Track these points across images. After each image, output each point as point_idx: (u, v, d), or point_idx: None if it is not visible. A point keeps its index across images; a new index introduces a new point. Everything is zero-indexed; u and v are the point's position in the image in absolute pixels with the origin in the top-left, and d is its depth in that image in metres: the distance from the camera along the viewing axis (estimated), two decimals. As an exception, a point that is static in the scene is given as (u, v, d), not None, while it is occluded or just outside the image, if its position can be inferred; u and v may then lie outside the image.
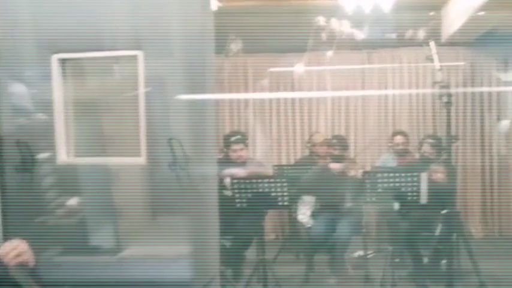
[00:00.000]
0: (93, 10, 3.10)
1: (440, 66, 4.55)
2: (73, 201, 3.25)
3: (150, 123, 3.11)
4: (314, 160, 6.08)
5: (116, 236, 3.21)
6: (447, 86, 4.42)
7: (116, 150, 3.22)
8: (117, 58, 3.18)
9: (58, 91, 3.19)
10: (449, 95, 4.35)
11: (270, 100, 6.84)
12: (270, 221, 6.86)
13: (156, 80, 3.11)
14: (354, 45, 6.41)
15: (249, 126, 6.92)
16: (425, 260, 5.17)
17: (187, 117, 3.10)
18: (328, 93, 6.73)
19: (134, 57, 3.09)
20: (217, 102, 6.66)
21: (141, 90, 3.09)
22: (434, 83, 4.55)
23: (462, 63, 6.68)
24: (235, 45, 4.90)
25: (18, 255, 2.25)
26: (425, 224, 5.18)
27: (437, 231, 4.93)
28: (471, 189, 6.78)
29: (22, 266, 2.26)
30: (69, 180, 3.24)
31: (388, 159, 6.20)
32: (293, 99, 6.90)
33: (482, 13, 5.22)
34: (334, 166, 5.40)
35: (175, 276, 3.01)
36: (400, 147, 6.14)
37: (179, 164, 3.05)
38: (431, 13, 6.28)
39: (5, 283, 2.18)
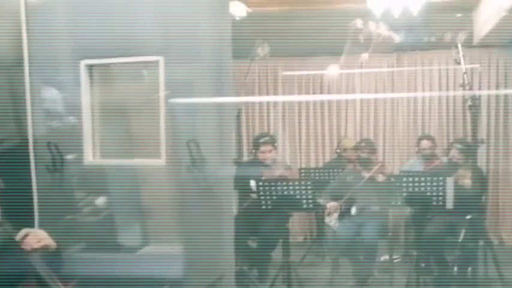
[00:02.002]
0: (117, 18, 3.24)
1: (466, 69, 4.53)
2: (98, 200, 3.40)
3: (170, 126, 3.22)
4: (342, 163, 6.13)
5: (135, 235, 3.34)
6: (472, 89, 4.40)
7: (138, 151, 3.35)
8: (140, 63, 3.31)
9: (86, 95, 3.34)
10: (475, 98, 4.33)
11: (299, 103, 6.89)
12: (299, 223, 6.92)
13: (176, 84, 3.23)
14: (384, 48, 6.41)
15: (278, 128, 6.99)
16: (451, 266, 5.14)
17: (206, 120, 3.20)
18: (357, 96, 6.73)
19: (156, 62, 3.22)
20: (246, 105, 6.86)
21: (162, 94, 3.21)
22: (460, 86, 4.51)
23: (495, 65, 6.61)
24: (262, 50, 4.98)
25: (39, 241, 2.32)
26: (451, 230, 5.14)
27: (462, 237, 4.90)
28: (503, 194, 6.66)
29: (44, 250, 2.36)
30: (95, 180, 3.39)
31: (416, 164, 6.18)
32: (322, 102, 6.94)
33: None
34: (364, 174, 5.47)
35: (183, 275, 3.12)
36: (427, 151, 6.11)
37: (197, 165, 3.16)
38: (462, 15, 6.25)
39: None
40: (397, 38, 6.05)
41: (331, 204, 5.57)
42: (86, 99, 3.32)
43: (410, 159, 6.45)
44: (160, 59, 3.20)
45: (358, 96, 6.77)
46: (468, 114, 4.49)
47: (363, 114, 6.93)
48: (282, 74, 6.78)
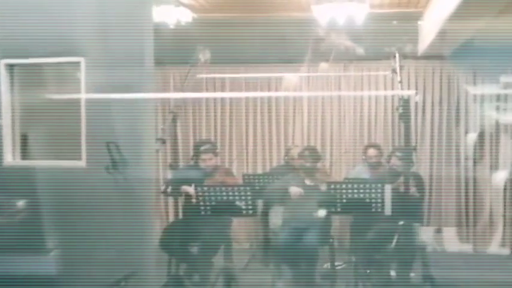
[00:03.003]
0: (40, 18, 3.22)
1: (401, 79, 4.61)
2: (18, 202, 3.35)
3: (91, 127, 3.21)
4: (288, 170, 6.16)
5: (52, 236, 3.31)
6: (405, 98, 4.48)
7: (59, 153, 3.32)
8: (61, 64, 3.29)
9: (5, 95, 3.31)
10: (406, 107, 4.41)
11: (247, 108, 6.93)
12: (245, 229, 6.93)
13: (97, 86, 3.22)
14: (331, 57, 6.49)
15: (225, 133, 7.01)
16: (390, 271, 5.21)
17: (126, 122, 3.19)
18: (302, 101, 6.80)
19: (77, 63, 3.20)
20: (193, 109, 6.88)
21: (83, 95, 3.20)
22: (394, 95, 4.60)
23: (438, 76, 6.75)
24: (203, 55, 4.99)
25: None
26: (390, 236, 5.20)
27: (400, 243, 4.96)
28: (445, 200, 6.77)
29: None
30: (14, 181, 3.34)
31: (361, 171, 6.25)
32: (270, 109, 6.99)
33: (451, 25, 5.26)
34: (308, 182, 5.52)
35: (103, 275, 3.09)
36: (373, 159, 6.19)
37: (117, 167, 3.14)
38: (408, 25, 6.38)
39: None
40: (349, 47, 6.14)
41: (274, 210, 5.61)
42: (5, 99, 3.28)
43: (356, 167, 6.53)
44: (82, 60, 3.19)
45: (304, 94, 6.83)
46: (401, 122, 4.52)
47: (311, 121, 6.99)
48: (228, 80, 6.81)
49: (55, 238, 3.28)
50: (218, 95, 6.76)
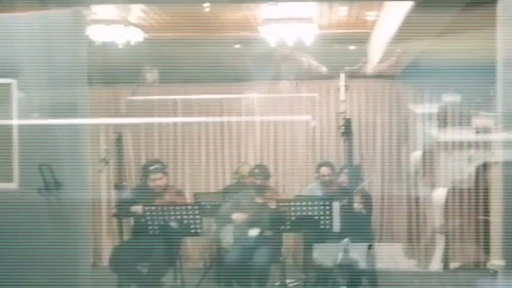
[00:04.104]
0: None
1: (344, 97, 4.71)
2: None
3: (23, 148, 3.18)
4: (240, 189, 6.18)
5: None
6: (348, 118, 4.58)
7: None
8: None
9: None
10: (349, 125, 4.51)
11: (199, 129, 6.94)
12: (198, 249, 6.90)
13: (30, 107, 3.20)
14: (283, 76, 6.57)
15: (177, 153, 7.01)
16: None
17: (59, 144, 3.17)
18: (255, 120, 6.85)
19: (8, 85, 3.18)
20: (143, 129, 6.85)
21: (15, 117, 3.17)
22: (338, 114, 4.69)
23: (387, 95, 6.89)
24: (151, 75, 5.01)
25: None
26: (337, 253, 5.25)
27: (349, 260, 5.02)
28: (396, 218, 6.87)
29: None
30: None
31: (314, 189, 6.30)
32: (222, 128, 7.01)
33: (395, 46, 5.39)
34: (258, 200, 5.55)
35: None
36: (326, 178, 6.24)
37: (50, 189, 3.12)
38: (357, 46, 6.51)
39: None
40: (287, 67, 6.23)
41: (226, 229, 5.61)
42: None
43: (309, 184, 6.58)
44: (13, 81, 3.17)
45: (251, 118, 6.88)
46: (345, 140, 4.62)
47: (263, 139, 7.04)
48: (180, 99, 6.81)
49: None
50: (159, 120, 6.75)
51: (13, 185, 3.19)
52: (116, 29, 5.64)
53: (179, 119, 6.81)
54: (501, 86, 3.31)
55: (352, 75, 5.72)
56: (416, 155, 6.58)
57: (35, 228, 3.21)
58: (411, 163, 6.55)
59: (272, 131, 7.01)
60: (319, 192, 6.20)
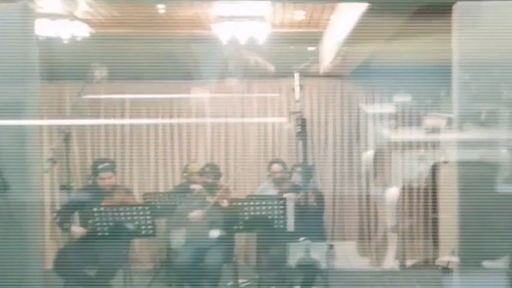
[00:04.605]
0: None
1: (299, 97, 4.69)
2: None
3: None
4: (190, 188, 6.09)
5: None
6: (302, 117, 4.57)
7: None
8: None
9: None
10: (303, 125, 4.50)
11: (147, 127, 6.79)
12: (148, 250, 6.76)
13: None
14: (234, 75, 6.52)
15: (124, 152, 6.83)
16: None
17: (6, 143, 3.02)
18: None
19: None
20: (89, 127, 6.65)
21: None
22: (291, 113, 4.68)
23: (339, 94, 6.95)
24: (100, 73, 4.85)
25: None
26: (292, 252, 5.24)
27: (302, 259, 5.02)
28: (349, 217, 6.93)
29: None
30: None
31: (267, 188, 6.27)
32: (171, 126, 6.89)
33: (347, 47, 5.43)
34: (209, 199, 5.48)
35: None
36: (278, 175, 6.23)
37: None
38: (309, 46, 6.54)
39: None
40: (238, 65, 6.19)
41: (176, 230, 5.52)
42: None
43: (262, 184, 6.55)
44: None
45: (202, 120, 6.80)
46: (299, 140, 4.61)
47: (214, 138, 6.95)
48: (128, 98, 6.65)
49: None
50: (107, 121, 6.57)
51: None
52: (61, 24, 5.46)
53: (127, 121, 6.63)
54: (456, 88, 3.37)
55: (303, 75, 5.73)
56: (368, 154, 6.68)
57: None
58: (363, 162, 6.63)
59: (223, 130, 6.95)
60: (272, 192, 6.18)
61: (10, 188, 3.01)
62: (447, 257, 5.15)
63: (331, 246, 5.21)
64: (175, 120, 6.73)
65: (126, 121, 6.59)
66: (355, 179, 6.73)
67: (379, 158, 6.54)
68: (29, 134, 3.08)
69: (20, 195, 3.02)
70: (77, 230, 5.04)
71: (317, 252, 4.96)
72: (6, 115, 3.01)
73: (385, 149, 6.49)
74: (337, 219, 6.92)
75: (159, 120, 6.72)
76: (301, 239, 4.80)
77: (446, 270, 5.06)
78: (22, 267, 3.10)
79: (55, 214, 5.35)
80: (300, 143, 4.49)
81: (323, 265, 5.18)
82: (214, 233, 5.48)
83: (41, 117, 3.26)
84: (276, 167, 6.28)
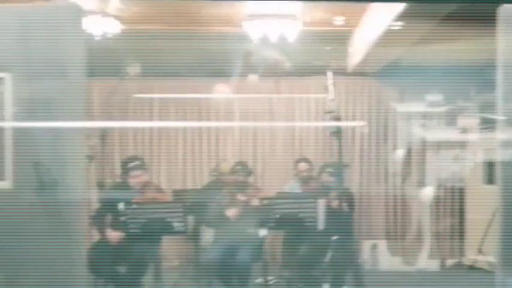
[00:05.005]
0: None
1: (334, 96, 4.67)
2: None
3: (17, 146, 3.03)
4: (219, 187, 6.10)
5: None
6: (337, 116, 4.55)
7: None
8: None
9: None
10: (338, 124, 4.48)
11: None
12: (174, 246, 6.77)
13: (24, 102, 3.05)
14: (262, 73, 6.51)
15: (153, 149, 6.85)
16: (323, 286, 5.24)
17: (55, 141, 3.04)
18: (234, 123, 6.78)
19: (1, 79, 3.02)
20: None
21: (8, 112, 3.02)
22: (326, 113, 4.66)
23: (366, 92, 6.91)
24: (133, 69, 4.86)
25: None
26: (322, 251, 5.25)
27: (333, 258, 5.02)
28: (375, 216, 6.91)
29: None
30: None
31: (294, 187, 6.27)
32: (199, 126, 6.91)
33: (377, 48, 5.42)
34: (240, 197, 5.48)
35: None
36: (304, 174, 6.22)
37: (45, 189, 2.98)
38: (338, 44, 6.51)
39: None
40: (267, 64, 6.18)
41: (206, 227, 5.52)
42: None
43: (288, 183, 6.54)
44: (7, 75, 3.00)
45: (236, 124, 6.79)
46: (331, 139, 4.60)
47: (242, 137, 6.96)
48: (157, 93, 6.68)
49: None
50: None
51: (6, 184, 3.03)
52: (91, 20, 5.47)
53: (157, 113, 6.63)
54: (501, 88, 3.35)
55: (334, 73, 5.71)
56: (401, 153, 6.63)
57: (28, 228, 3.07)
58: (396, 162, 6.60)
59: (251, 130, 6.94)
60: (298, 190, 6.18)
61: (57, 186, 3.03)
62: (479, 256, 5.13)
63: (356, 245, 5.24)
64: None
65: (155, 118, 6.60)
66: (387, 178, 6.71)
67: (413, 157, 6.50)
68: (74, 132, 3.10)
69: (65, 194, 3.04)
70: (112, 233, 5.04)
71: (348, 251, 4.97)
72: (53, 112, 3.03)
73: (419, 149, 6.46)
74: (369, 218, 6.89)
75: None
76: (334, 237, 4.81)
77: (480, 270, 5.03)
78: (68, 266, 3.13)
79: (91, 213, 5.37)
80: (335, 142, 4.47)
81: (353, 264, 5.21)
82: (245, 231, 5.48)
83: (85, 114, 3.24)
84: (302, 165, 6.29)
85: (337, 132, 4.45)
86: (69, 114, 3.08)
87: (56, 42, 3.03)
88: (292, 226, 5.32)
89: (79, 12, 3.15)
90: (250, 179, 5.90)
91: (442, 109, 6.22)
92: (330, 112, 4.63)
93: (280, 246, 6.28)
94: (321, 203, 5.26)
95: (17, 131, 3.04)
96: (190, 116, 6.90)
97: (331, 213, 5.28)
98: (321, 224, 5.16)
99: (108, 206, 5.15)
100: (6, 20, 3.05)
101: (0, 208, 3.05)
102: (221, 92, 6.56)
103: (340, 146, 4.51)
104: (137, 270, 5.11)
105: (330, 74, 4.88)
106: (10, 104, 3.01)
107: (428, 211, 6.49)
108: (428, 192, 6.40)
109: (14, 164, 3.04)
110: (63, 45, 3.04)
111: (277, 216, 5.19)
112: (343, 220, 5.37)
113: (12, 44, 3.00)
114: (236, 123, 6.77)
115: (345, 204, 5.57)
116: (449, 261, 6.47)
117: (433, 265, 6.51)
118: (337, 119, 4.50)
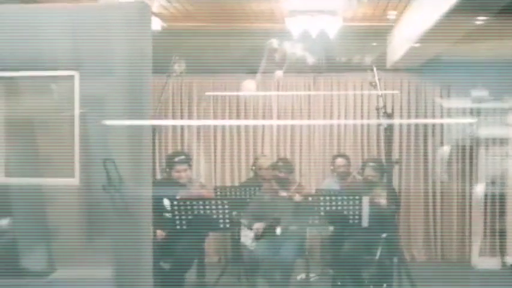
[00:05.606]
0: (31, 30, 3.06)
1: (382, 92, 4.63)
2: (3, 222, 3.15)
3: (85, 143, 3.05)
4: (259, 182, 6.09)
5: (47, 258, 3.12)
6: (387, 112, 4.51)
7: (49, 170, 3.14)
8: (53, 78, 3.11)
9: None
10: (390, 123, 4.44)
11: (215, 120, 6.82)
12: (214, 242, 6.79)
13: (92, 100, 3.07)
14: (301, 69, 6.49)
15: (192, 146, 6.85)
16: (367, 284, 5.21)
17: (123, 138, 3.05)
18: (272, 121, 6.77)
19: (71, 77, 3.04)
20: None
21: (77, 110, 3.04)
22: (376, 109, 4.62)
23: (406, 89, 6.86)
24: (179, 66, 4.85)
25: None
26: (366, 248, 5.22)
27: (377, 255, 4.99)
28: (414, 213, 6.86)
29: None
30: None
31: (331, 183, 6.25)
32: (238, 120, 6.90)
33: (420, 44, 5.37)
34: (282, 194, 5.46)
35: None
36: (342, 169, 6.20)
37: (113, 185, 2.99)
38: (377, 40, 6.47)
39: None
40: (307, 59, 6.15)
41: (258, 225, 5.50)
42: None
43: (326, 179, 6.52)
44: (76, 74, 3.02)
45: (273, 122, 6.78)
46: (382, 135, 4.56)
47: (280, 132, 6.94)
48: (197, 92, 6.69)
49: (45, 260, 3.09)
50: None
51: (74, 181, 3.05)
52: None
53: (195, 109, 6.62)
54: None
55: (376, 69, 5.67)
56: (446, 149, 6.58)
57: (97, 225, 3.09)
58: (441, 158, 6.55)
59: (289, 124, 6.92)
60: (336, 186, 6.15)
61: (124, 182, 3.04)
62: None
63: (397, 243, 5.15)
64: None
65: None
66: (435, 175, 6.68)
67: (463, 154, 6.47)
68: (145, 129, 3.11)
69: (134, 190, 3.05)
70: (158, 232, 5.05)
71: (393, 249, 4.93)
72: (123, 110, 3.04)
73: (465, 145, 6.41)
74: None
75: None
76: (384, 235, 4.78)
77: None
78: (136, 262, 3.15)
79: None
80: (386, 139, 4.44)
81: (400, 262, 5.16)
82: (288, 227, 5.47)
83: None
84: (340, 161, 6.26)
85: (389, 129, 4.40)
86: (137, 112, 3.09)
87: (125, 39, 3.04)
88: (335, 222, 5.30)
89: (148, 10, 3.16)
90: (292, 176, 5.86)
91: (494, 105, 6.16)
92: (379, 108, 4.59)
93: (322, 243, 6.28)
94: (366, 200, 5.22)
95: (85, 129, 3.06)
96: (229, 113, 6.93)
97: (374, 210, 5.25)
98: (365, 222, 5.13)
99: (154, 202, 5.16)
100: (74, 18, 3.07)
101: (69, 204, 3.08)
102: (260, 89, 6.57)
103: (389, 142, 4.49)
104: (182, 266, 5.12)
105: (375, 70, 4.84)
106: (79, 102, 3.03)
107: (482, 208, 6.48)
108: (480, 189, 6.35)
109: (81, 162, 3.06)
110: (132, 43, 3.05)
111: (321, 212, 5.18)
112: (385, 217, 5.34)
113: (81, 42, 3.01)
114: (284, 121, 6.75)
115: (388, 201, 5.55)
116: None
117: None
118: (389, 115, 4.46)
